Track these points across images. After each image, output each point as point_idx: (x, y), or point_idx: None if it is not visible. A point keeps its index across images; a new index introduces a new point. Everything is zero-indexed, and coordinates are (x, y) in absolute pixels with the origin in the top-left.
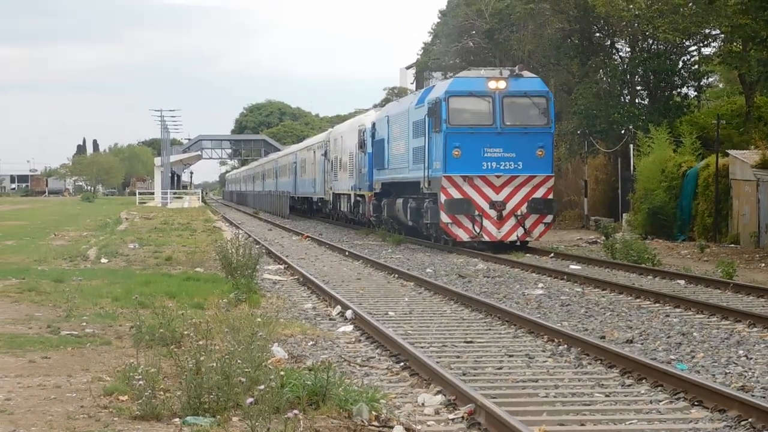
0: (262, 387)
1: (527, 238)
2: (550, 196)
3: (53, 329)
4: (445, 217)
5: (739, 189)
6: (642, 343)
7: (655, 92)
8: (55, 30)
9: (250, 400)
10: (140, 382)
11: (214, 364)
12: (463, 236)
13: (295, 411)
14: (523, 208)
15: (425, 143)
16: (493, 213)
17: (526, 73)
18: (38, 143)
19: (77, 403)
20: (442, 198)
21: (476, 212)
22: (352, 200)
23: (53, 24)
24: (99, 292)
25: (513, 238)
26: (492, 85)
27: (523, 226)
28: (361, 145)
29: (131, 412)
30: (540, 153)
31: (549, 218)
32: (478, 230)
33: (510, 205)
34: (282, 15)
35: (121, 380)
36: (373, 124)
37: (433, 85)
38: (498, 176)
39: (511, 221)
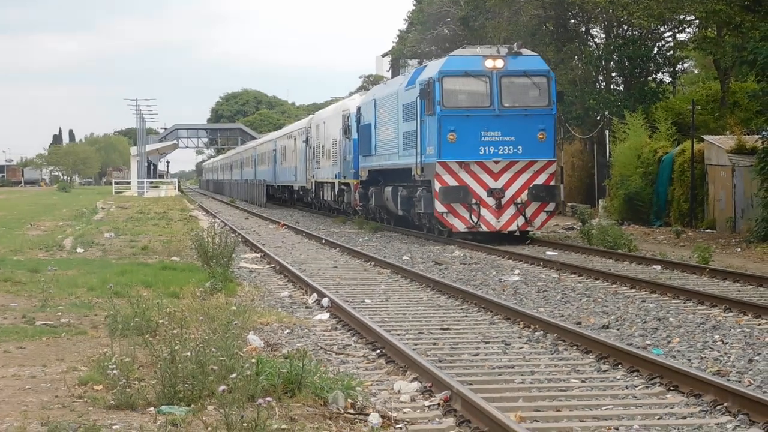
0: (234, 375)
1: (528, 228)
2: (553, 183)
3: (28, 319)
4: (439, 206)
5: (715, 174)
6: (618, 329)
7: (630, 78)
8: (31, 20)
9: (222, 387)
10: (115, 372)
11: (189, 353)
12: (460, 226)
13: (269, 398)
14: (524, 196)
15: (417, 127)
16: (491, 201)
17: (525, 51)
18: (14, 133)
19: (52, 393)
20: (437, 186)
21: (473, 200)
22: (336, 189)
23: (29, 14)
24: (75, 282)
25: (513, 228)
26: (489, 63)
27: (524, 215)
28: (346, 130)
29: (106, 401)
30: (541, 136)
31: (551, 206)
32: (475, 220)
33: (509, 193)
34: (258, 4)
35: (95, 370)
36: (359, 109)
37: (425, 65)
38: (496, 162)
39: (511, 210)
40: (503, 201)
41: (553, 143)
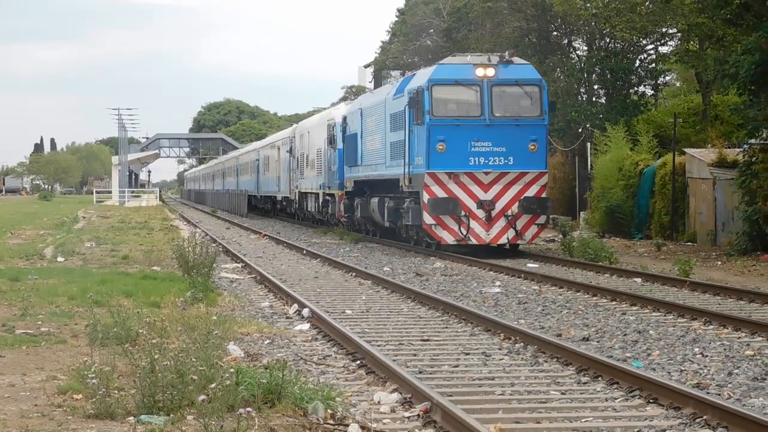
0: (214, 385)
1: (519, 241)
2: (544, 195)
3: (8, 328)
4: (428, 218)
5: (696, 187)
6: (598, 341)
7: (612, 91)
8: (14, 29)
9: (202, 397)
10: (94, 381)
11: (169, 363)
12: (448, 239)
13: (249, 408)
14: (514, 208)
15: (405, 137)
16: (481, 213)
17: (516, 60)
18: None
19: (31, 402)
20: (425, 197)
21: (463, 213)
22: (321, 199)
23: (11, 23)
24: (55, 291)
25: (503, 240)
26: (480, 72)
27: (514, 228)
28: (331, 140)
29: (85, 410)
30: (532, 147)
31: (542, 219)
32: (464, 232)
33: (500, 205)
34: (240, 15)
35: (75, 379)
36: (344, 118)
37: (413, 74)
38: (486, 173)
39: (501, 222)
40: (493, 213)
41: (545, 154)
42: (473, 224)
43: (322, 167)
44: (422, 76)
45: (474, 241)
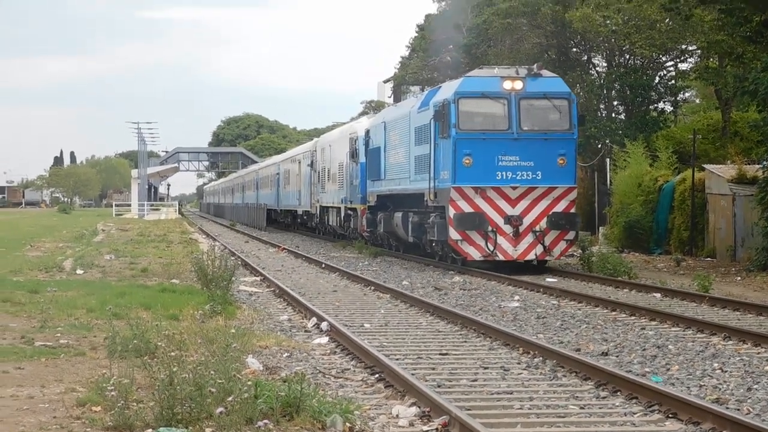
0: (232, 398)
1: (547, 257)
2: (573, 210)
3: (27, 340)
4: (454, 234)
5: (716, 203)
6: (617, 356)
7: (631, 107)
8: (33, 42)
9: (220, 409)
10: (113, 393)
11: (187, 375)
12: (475, 255)
13: (266, 421)
14: (543, 224)
15: (431, 151)
16: (508, 229)
17: (545, 72)
18: (15, 154)
19: (50, 414)
20: (451, 212)
21: (489, 228)
22: (342, 214)
23: (31, 36)
24: (74, 303)
25: (531, 257)
26: (507, 85)
27: (543, 244)
28: (353, 154)
29: (104, 422)
30: (561, 161)
31: (571, 235)
32: (491, 248)
33: (527, 220)
34: (260, 29)
35: (94, 391)
36: (367, 132)
37: (439, 87)
38: (514, 187)
39: (529, 238)
40: (521, 229)
41: (573, 169)
42: (500, 240)
43: (344, 181)
44: (448, 89)
45: (501, 258)
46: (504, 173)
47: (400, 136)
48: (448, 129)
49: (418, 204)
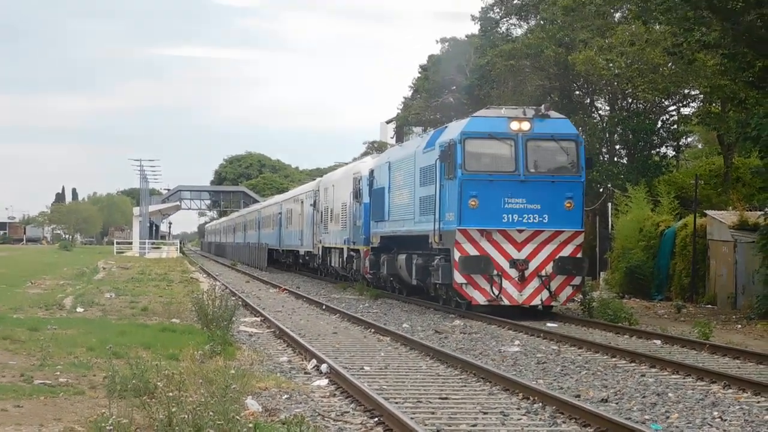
0: None
1: (553, 303)
2: (579, 255)
3: (26, 378)
4: (459, 277)
5: (717, 250)
6: (617, 403)
7: (633, 151)
8: (36, 79)
9: None
10: None
11: (186, 416)
12: (480, 299)
13: None
14: (549, 268)
15: (436, 192)
16: (513, 273)
17: (552, 113)
18: (17, 191)
19: None
20: (456, 255)
21: (495, 272)
22: (345, 255)
23: (34, 73)
24: (74, 342)
25: (536, 302)
26: (514, 126)
27: (548, 289)
28: (357, 194)
29: None
30: (568, 205)
31: (578, 280)
32: (496, 292)
33: (533, 264)
34: (261, 69)
35: (92, 430)
36: (371, 172)
37: (445, 127)
38: (520, 231)
39: (535, 282)
40: (527, 273)
41: (581, 212)
42: (506, 284)
43: (347, 222)
44: (454, 129)
45: (506, 302)
46: (510, 216)
47: (405, 176)
48: (454, 170)
49: (422, 246)
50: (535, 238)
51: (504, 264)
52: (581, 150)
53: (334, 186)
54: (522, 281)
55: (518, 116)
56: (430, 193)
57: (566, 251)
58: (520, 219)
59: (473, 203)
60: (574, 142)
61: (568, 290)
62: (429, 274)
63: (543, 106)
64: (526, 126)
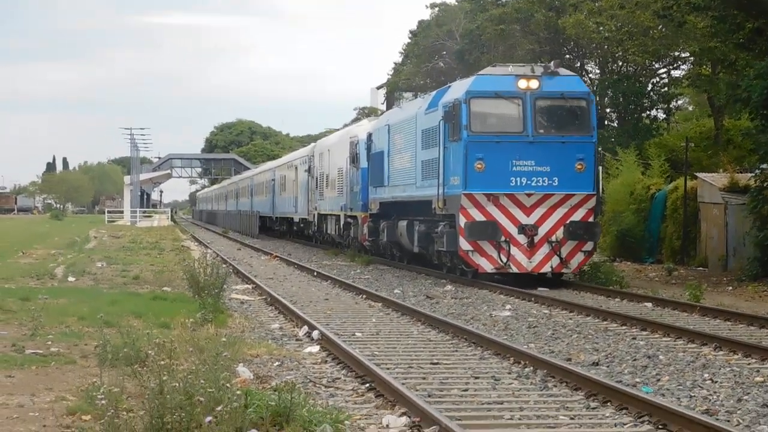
0: (219, 408)
1: (563, 270)
2: (592, 219)
3: (18, 348)
4: (465, 244)
5: (708, 212)
6: (608, 366)
7: (624, 114)
8: (26, 49)
9: (209, 419)
10: (103, 402)
11: (177, 384)
12: (487, 267)
13: (255, 430)
14: (559, 233)
15: (439, 155)
16: (522, 239)
17: (562, 71)
18: (7, 161)
19: (40, 423)
20: (462, 221)
21: (503, 238)
22: (342, 222)
23: (24, 43)
24: (65, 311)
25: (546, 269)
26: (522, 84)
27: (559, 255)
28: (354, 159)
29: (93, 431)
30: (579, 167)
31: (590, 246)
32: (504, 260)
33: (543, 230)
34: (252, 36)
35: (84, 400)
36: (369, 135)
37: (448, 86)
38: (529, 194)
39: (545, 249)
40: (536, 239)
41: (592, 174)
42: (514, 251)
43: (344, 188)
44: (459, 89)
45: (515, 270)
46: (518, 179)
47: (406, 139)
48: (458, 131)
49: (424, 212)
50: (545, 202)
51: (512, 230)
52: (593, 108)
53: (329, 151)
54: (531, 247)
55: (526, 74)
56: (433, 156)
57: (577, 215)
58: (529, 182)
59: (479, 166)
60: (585, 100)
61: (579, 256)
62: (432, 241)
63: (552, 63)
64: (534, 84)
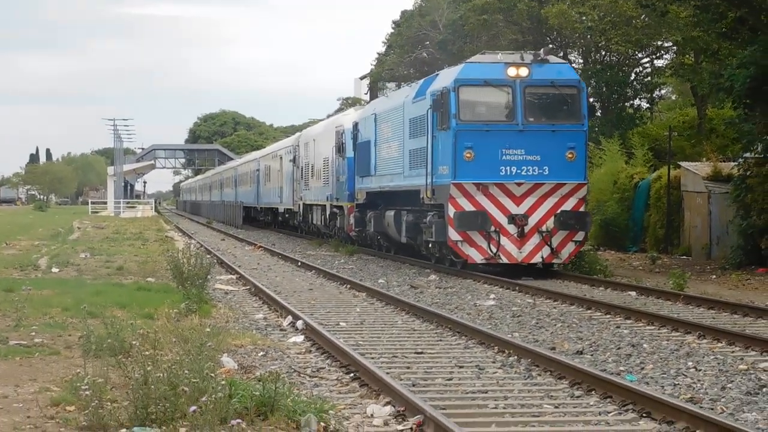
0: (205, 397)
1: (554, 260)
2: (582, 208)
3: (1, 339)
4: (454, 234)
5: (691, 201)
6: (592, 355)
7: (607, 104)
8: (9, 39)
9: (193, 408)
10: (87, 393)
11: (162, 375)
12: (476, 257)
13: (240, 420)
14: (549, 223)
15: (427, 144)
16: (512, 229)
17: (552, 58)
18: None
19: (24, 414)
20: (451, 210)
21: (492, 228)
22: (328, 212)
23: (4, 33)
24: (49, 302)
25: (536, 259)
26: (512, 72)
27: (549, 245)
28: (340, 148)
29: (78, 422)
30: (570, 156)
31: (581, 235)
32: (494, 250)
33: (533, 220)
34: (235, 27)
35: (68, 390)
36: (355, 124)
37: (436, 74)
38: (519, 184)
39: (535, 239)
40: (526, 229)
41: (583, 163)
42: (504, 241)
43: (330, 177)
44: (447, 77)
45: (505, 260)
46: (508, 168)
47: (393, 128)
48: (447, 120)
49: (412, 202)
50: (535, 191)
51: (502, 219)
52: (584, 96)
53: (315, 140)
54: (521, 238)
55: (516, 61)
56: (421, 145)
57: (568, 205)
58: (519, 171)
59: (468, 155)
60: (576, 88)
61: (570, 246)
62: (420, 232)
63: (542, 50)
64: (524, 72)
